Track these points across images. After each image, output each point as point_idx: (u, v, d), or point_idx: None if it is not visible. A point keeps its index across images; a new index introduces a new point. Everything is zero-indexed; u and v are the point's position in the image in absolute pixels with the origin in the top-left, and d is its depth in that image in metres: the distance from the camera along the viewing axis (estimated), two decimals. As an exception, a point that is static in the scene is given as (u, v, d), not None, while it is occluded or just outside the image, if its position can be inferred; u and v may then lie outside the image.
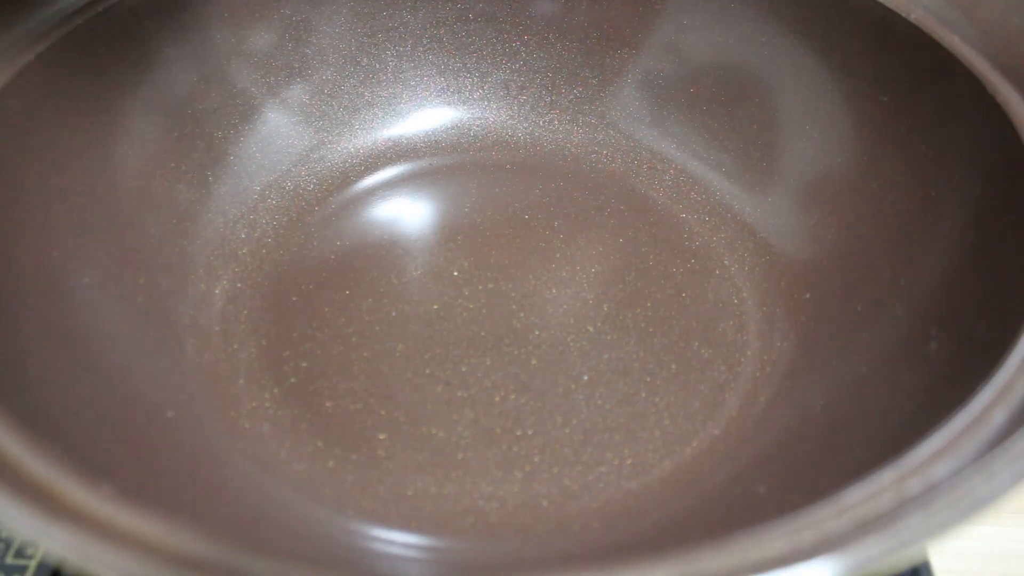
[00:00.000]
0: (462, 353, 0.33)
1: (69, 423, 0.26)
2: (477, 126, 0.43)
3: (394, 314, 0.35)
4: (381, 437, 0.30)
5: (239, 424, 0.30)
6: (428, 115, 0.43)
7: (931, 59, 0.32)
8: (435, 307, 0.35)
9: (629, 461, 0.30)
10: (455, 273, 0.37)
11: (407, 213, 0.40)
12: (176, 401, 0.30)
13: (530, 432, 0.31)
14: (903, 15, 0.33)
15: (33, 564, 0.31)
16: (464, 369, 0.33)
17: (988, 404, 0.22)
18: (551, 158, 0.42)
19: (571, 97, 0.43)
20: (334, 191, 0.40)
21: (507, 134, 0.43)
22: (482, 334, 0.34)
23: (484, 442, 0.31)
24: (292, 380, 0.32)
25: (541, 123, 0.43)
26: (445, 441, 0.30)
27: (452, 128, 0.43)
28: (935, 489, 0.20)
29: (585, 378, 0.33)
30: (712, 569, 0.20)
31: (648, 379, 0.33)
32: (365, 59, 0.42)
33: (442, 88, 0.43)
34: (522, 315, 0.35)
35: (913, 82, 0.33)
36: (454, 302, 0.35)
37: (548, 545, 0.26)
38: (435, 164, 0.42)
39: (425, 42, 0.43)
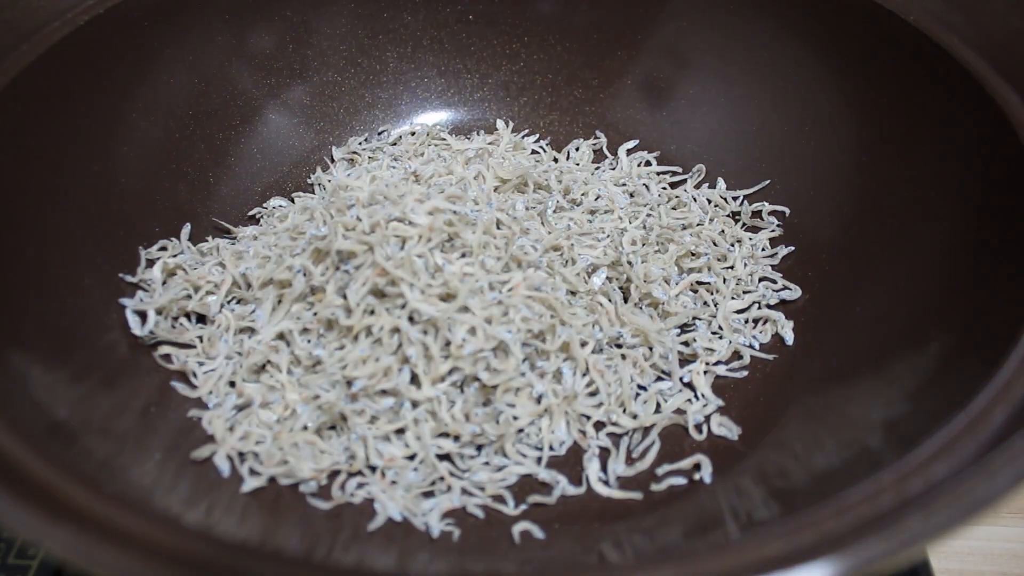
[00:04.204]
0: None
1: (70, 424, 0.26)
2: (477, 127, 0.43)
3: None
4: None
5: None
6: (428, 116, 0.43)
7: (931, 59, 0.32)
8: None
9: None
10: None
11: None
12: (176, 399, 0.30)
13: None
14: (903, 16, 0.33)
15: (35, 564, 0.31)
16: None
17: (988, 404, 0.22)
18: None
19: (571, 98, 0.43)
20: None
21: (507, 135, 0.43)
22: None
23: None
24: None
25: (541, 124, 0.43)
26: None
27: (452, 129, 0.43)
28: (935, 489, 0.20)
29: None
30: (712, 569, 0.20)
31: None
32: (365, 60, 0.42)
33: (442, 89, 0.43)
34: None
35: (913, 82, 0.33)
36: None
37: (550, 546, 0.26)
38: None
39: (425, 43, 0.43)
